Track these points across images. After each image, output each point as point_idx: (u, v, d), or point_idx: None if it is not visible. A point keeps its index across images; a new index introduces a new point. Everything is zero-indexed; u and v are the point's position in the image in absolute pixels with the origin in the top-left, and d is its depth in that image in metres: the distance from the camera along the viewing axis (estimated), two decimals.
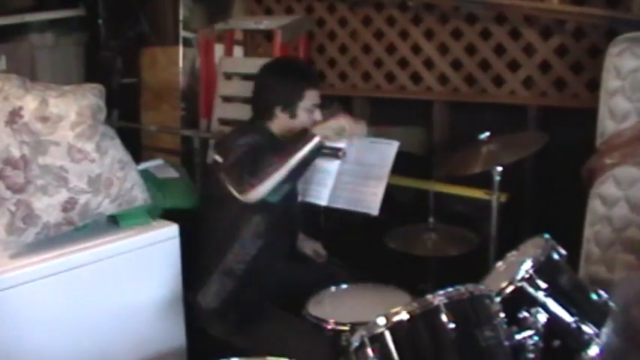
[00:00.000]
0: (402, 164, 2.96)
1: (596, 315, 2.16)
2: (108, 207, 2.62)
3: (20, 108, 2.46)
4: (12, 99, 2.47)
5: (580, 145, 3.04)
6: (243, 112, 3.48)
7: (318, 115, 2.78)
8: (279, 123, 2.76)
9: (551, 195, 3.52)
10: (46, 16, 4.57)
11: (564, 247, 2.31)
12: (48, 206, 2.46)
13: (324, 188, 3.02)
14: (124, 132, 3.16)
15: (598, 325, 2.12)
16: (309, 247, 3.08)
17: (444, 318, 1.92)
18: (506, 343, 1.99)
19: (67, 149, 2.49)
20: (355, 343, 1.99)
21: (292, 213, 2.92)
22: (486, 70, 3.66)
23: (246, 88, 3.25)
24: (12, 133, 2.43)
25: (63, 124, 2.49)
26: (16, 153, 2.43)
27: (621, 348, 2.14)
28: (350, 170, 3.02)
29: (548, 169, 3.49)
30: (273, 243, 2.76)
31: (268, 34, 4.22)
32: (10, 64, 4.18)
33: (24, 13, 4.48)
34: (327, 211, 3.07)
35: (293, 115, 2.73)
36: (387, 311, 1.97)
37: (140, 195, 2.71)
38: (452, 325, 1.91)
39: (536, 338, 2.02)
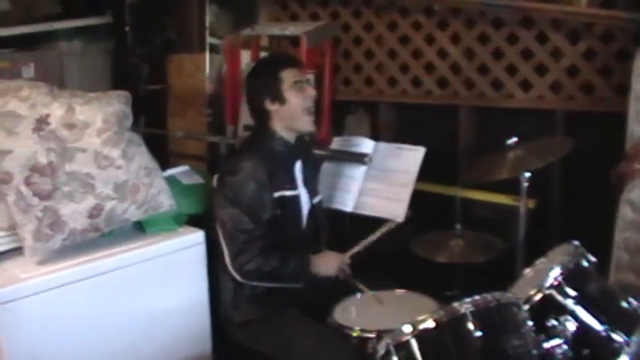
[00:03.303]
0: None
1: (627, 323, 2.11)
2: (134, 213, 2.64)
3: (47, 115, 2.49)
4: (39, 106, 2.49)
5: (609, 149, 2.99)
6: None
7: (309, 90, 2.79)
8: (278, 117, 2.76)
9: (580, 201, 3.47)
10: (73, 23, 4.62)
11: (593, 254, 2.27)
12: (74, 213, 2.48)
13: (349, 194, 3.01)
14: (151, 138, 3.17)
15: (628, 333, 2.07)
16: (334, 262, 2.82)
17: (470, 326, 1.89)
18: (534, 351, 1.96)
19: (93, 156, 2.51)
20: (381, 351, 1.97)
21: (313, 220, 2.91)
22: (513, 75, 3.62)
23: None
24: (39, 140, 2.46)
25: (89, 131, 2.52)
26: (42, 160, 2.45)
27: None
28: (375, 176, 3.00)
29: (577, 174, 3.45)
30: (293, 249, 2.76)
31: (294, 40, 4.22)
32: (39, 71, 4.22)
33: (52, 21, 4.53)
34: (353, 217, 3.05)
35: (282, 101, 2.74)
36: (413, 319, 1.95)
37: (166, 201, 2.72)
38: (479, 334, 1.89)
39: (565, 347, 1.99)
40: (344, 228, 3.19)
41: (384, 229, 2.84)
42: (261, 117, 2.79)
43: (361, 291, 2.76)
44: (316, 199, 2.94)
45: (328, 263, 2.75)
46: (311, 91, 2.80)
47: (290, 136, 2.80)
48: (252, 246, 2.63)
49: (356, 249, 2.83)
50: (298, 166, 2.83)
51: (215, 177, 2.81)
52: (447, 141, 3.79)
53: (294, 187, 2.78)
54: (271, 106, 2.75)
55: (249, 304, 2.74)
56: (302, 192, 2.82)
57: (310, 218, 2.87)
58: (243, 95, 4.03)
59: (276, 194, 2.69)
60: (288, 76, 2.75)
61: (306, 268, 2.70)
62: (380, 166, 3.02)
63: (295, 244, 2.78)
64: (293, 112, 2.74)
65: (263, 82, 2.77)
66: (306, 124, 2.78)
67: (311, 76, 3.83)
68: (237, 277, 2.67)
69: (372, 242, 2.84)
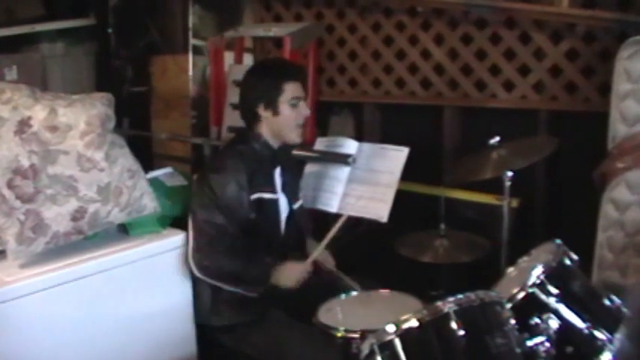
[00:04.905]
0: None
1: (609, 321, 2.13)
2: (117, 216, 2.62)
3: (29, 118, 2.47)
4: (21, 109, 2.47)
5: (591, 149, 3.02)
6: None
7: (303, 108, 2.78)
8: (267, 124, 2.75)
9: (563, 200, 3.50)
10: (56, 25, 4.60)
11: (576, 253, 2.28)
12: (57, 215, 2.47)
13: (334, 195, 3.00)
14: (135, 140, 3.16)
15: (611, 330, 2.08)
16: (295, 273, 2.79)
17: (453, 325, 1.90)
18: (518, 349, 1.96)
19: (76, 158, 2.49)
20: (365, 351, 1.97)
21: (293, 223, 2.91)
22: (496, 75, 3.64)
23: None
24: (21, 143, 2.43)
25: (72, 133, 2.50)
26: (25, 163, 2.43)
27: (635, 354, 2.12)
28: (359, 177, 3.00)
29: (560, 173, 3.47)
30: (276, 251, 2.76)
31: (278, 42, 4.21)
32: (22, 74, 4.20)
33: (34, 23, 4.51)
34: (337, 217, 3.05)
35: (276, 112, 2.72)
36: (397, 318, 1.95)
37: (149, 203, 2.71)
38: (462, 333, 1.89)
39: (547, 345, 2.00)
40: (329, 229, 3.18)
41: (338, 225, 2.82)
42: (250, 118, 2.78)
43: (346, 288, 2.75)
44: (296, 205, 2.93)
45: (289, 275, 2.71)
46: (305, 111, 2.79)
47: (274, 143, 2.80)
48: (219, 243, 2.62)
49: (315, 254, 2.80)
50: (278, 171, 2.83)
51: (195, 175, 2.81)
52: (431, 141, 3.81)
53: (273, 190, 2.78)
54: (263, 112, 2.74)
55: (230, 308, 2.73)
56: (281, 197, 2.82)
57: (289, 223, 2.87)
58: (226, 97, 4.06)
59: (254, 196, 2.69)
60: (289, 89, 2.73)
61: (266, 278, 2.67)
62: (364, 166, 3.01)
63: (272, 249, 2.77)
64: (282, 124, 2.74)
65: (263, 87, 2.74)
66: (294, 137, 2.78)
67: None
68: (195, 271, 2.66)
69: (330, 241, 2.81)
